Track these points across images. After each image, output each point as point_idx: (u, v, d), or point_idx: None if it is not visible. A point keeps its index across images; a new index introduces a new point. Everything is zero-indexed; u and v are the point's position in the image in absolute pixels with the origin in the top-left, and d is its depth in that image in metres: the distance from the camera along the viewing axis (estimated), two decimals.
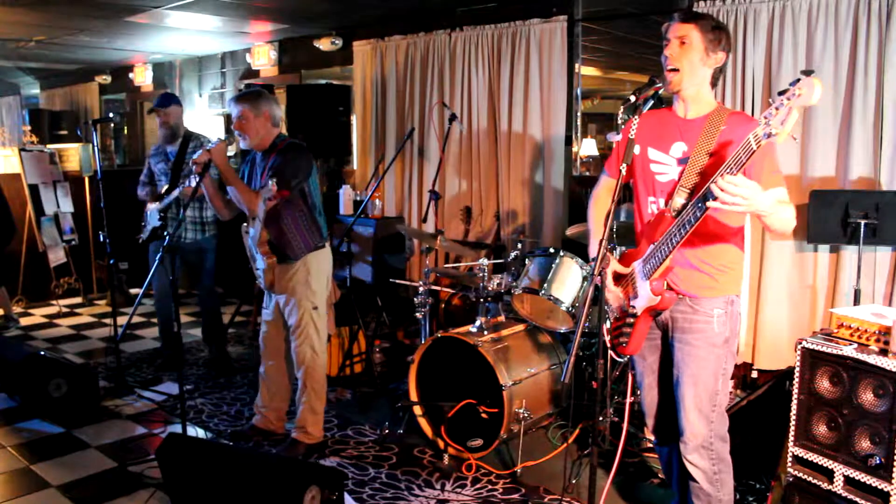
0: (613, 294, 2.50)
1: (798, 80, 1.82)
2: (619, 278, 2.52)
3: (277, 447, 3.67)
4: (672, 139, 2.39)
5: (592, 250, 2.65)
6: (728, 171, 1.99)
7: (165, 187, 4.62)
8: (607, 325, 2.60)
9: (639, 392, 2.77)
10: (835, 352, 2.60)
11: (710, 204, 2.06)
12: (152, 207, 4.70)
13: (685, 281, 2.39)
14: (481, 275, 3.87)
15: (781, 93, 1.85)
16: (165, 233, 3.22)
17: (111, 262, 4.79)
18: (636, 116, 2.30)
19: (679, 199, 2.30)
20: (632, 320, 2.43)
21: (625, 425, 2.62)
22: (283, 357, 3.70)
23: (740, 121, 2.30)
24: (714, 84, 2.39)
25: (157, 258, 3.33)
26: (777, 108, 1.85)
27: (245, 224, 3.59)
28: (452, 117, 5.09)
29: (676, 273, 2.36)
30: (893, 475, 2.43)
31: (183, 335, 5.15)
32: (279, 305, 3.59)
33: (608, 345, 2.56)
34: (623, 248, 2.65)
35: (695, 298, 2.40)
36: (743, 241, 2.47)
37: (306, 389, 3.58)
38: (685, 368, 2.42)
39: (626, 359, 2.58)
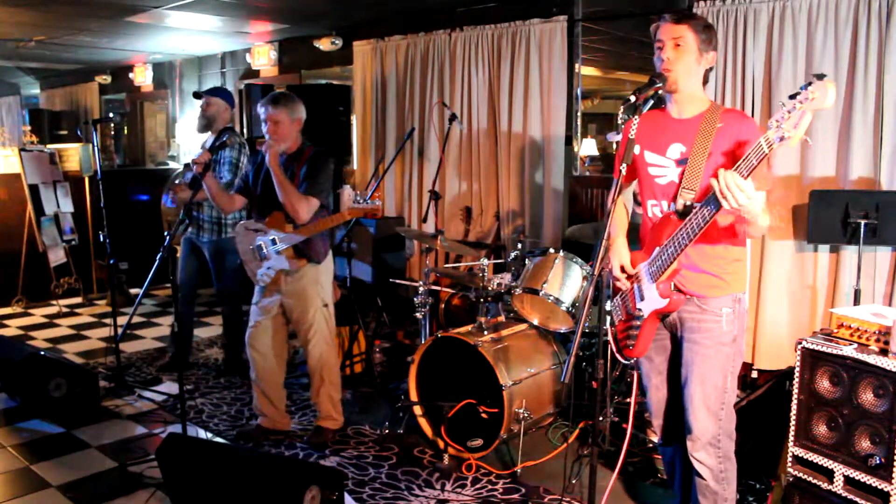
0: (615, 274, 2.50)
1: (810, 83, 1.80)
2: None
3: (281, 444, 3.69)
4: (668, 140, 2.38)
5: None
6: (738, 172, 1.98)
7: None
8: (609, 326, 2.60)
9: (639, 392, 2.77)
10: (835, 352, 2.60)
11: (712, 184, 2.03)
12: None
13: (692, 282, 2.38)
14: (481, 275, 3.87)
15: (793, 96, 1.83)
16: (166, 233, 3.21)
17: (111, 262, 4.79)
18: (636, 116, 2.29)
19: (683, 202, 2.30)
20: (638, 323, 2.43)
21: (629, 427, 2.62)
22: (276, 355, 3.72)
23: (736, 119, 2.30)
24: (705, 83, 2.39)
25: (158, 258, 3.32)
26: (790, 112, 1.83)
27: (247, 221, 3.59)
28: (452, 117, 5.09)
29: (683, 274, 2.35)
30: (893, 475, 2.43)
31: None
32: (284, 305, 3.60)
33: (614, 348, 2.55)
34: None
35: (702, 298, 2.39)
36: (745, 237, 2.46)
37: (324, 383, 3.68)
38: (694, 367, 2.42)
39: (631, 361, 2.57)
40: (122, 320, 5.21)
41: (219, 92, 4.71)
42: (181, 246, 4.83)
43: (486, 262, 3.88)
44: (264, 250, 3.52)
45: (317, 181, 3.44)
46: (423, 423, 3.72)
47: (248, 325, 3.72)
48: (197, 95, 4.65)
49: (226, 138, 3.96)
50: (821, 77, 1.79)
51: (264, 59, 7.52)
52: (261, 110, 3.48)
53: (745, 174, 1.97)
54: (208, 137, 4.72)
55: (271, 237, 3.49)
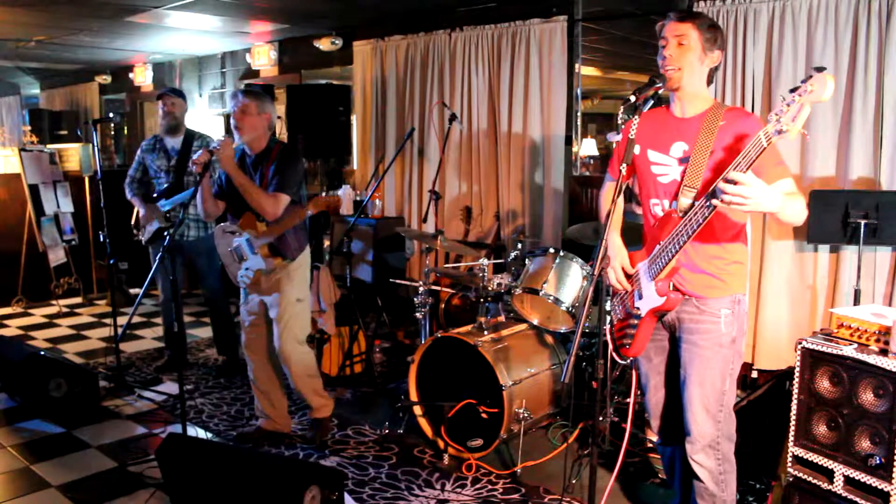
0: (616, 275, 2.50)
1: (810, 76, 1.81)
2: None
3: (281, 444, 3.69)
4: (671, 139, 2.38)
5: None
6: (737, 168, 1.98)
7: (165, 186, 4.61)
8: (608, 326, 2.59)
9: (638, 392, 2.76)
10: (835, 352, 2.60)
11: (715, 202, 2.04)
12: (149, 207, 4.68)
13: (691, 282, 2.37)
14: (481, 275, 3.86)
15: (793, 90, 1.84)
16: (166, 233, 3.21)
17: (111, 262, 4.79)
18: (636, 116, 2.29)
19: (685, 200, 2.29)
20: (636, 322, 2.43)
21: (628, 426, 2.62)
22: (269, 355, 3.71)
23: (738, 115, 2.30)
24: (709, 83, 2.39)
25: (157, 258, 3.31)
26: (788, 105, 1.84)
27: (224, 224, 3.59)
28: (452, 117, 5.09)
29: (682, 274, 2.35)
30: (893, 475, 2.43)
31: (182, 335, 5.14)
32: (265, 304, 3.60)
33: (611, 347, 2.55)
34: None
35: (701, 299, 2.38)
36: (746, 238, 2.46)
37: (302, 377, 3.65)
38: (692, 369, 2.41)
39: (629, 361, 2.57)
40: (122, 320, 5.22)
41: (181, 93, 4.70)
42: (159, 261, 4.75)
43: (486, 262, 3.88)
44: (241, 251, 3.53)
45: (285, 176, 3.41)
46: (423, 423, 3.72)
47: (242, 328, 3.72)
48: (161, 96, 4.61)
49: (204, 141, 3.93)
50: (820, 70, 1.80)
51: (264, 59, 7.52)
52: (231, 102, 3.49)
53: (745, 168, 1.97)
54: (157, 139, 4.69)
55: (245, 237, 3.49)
